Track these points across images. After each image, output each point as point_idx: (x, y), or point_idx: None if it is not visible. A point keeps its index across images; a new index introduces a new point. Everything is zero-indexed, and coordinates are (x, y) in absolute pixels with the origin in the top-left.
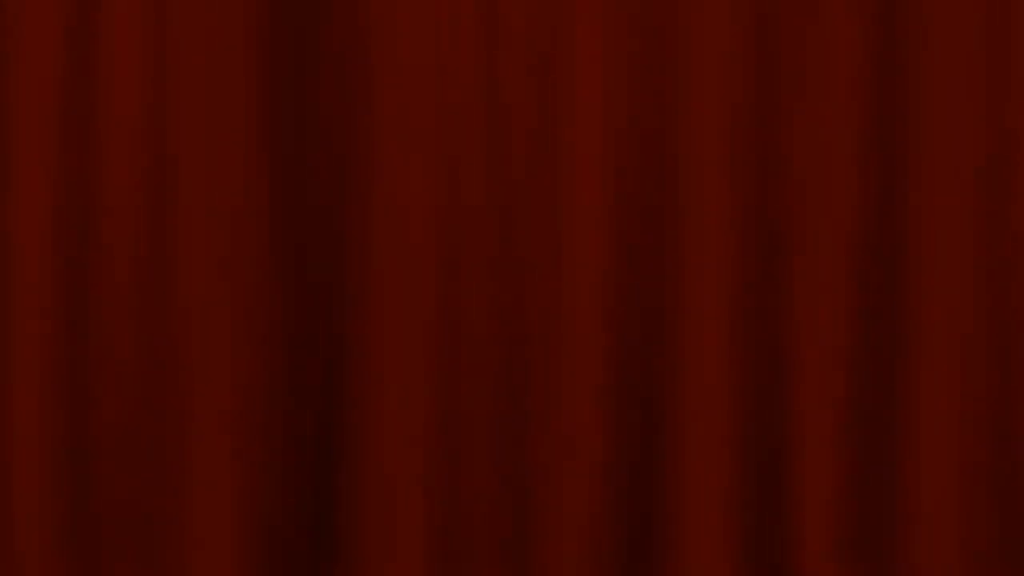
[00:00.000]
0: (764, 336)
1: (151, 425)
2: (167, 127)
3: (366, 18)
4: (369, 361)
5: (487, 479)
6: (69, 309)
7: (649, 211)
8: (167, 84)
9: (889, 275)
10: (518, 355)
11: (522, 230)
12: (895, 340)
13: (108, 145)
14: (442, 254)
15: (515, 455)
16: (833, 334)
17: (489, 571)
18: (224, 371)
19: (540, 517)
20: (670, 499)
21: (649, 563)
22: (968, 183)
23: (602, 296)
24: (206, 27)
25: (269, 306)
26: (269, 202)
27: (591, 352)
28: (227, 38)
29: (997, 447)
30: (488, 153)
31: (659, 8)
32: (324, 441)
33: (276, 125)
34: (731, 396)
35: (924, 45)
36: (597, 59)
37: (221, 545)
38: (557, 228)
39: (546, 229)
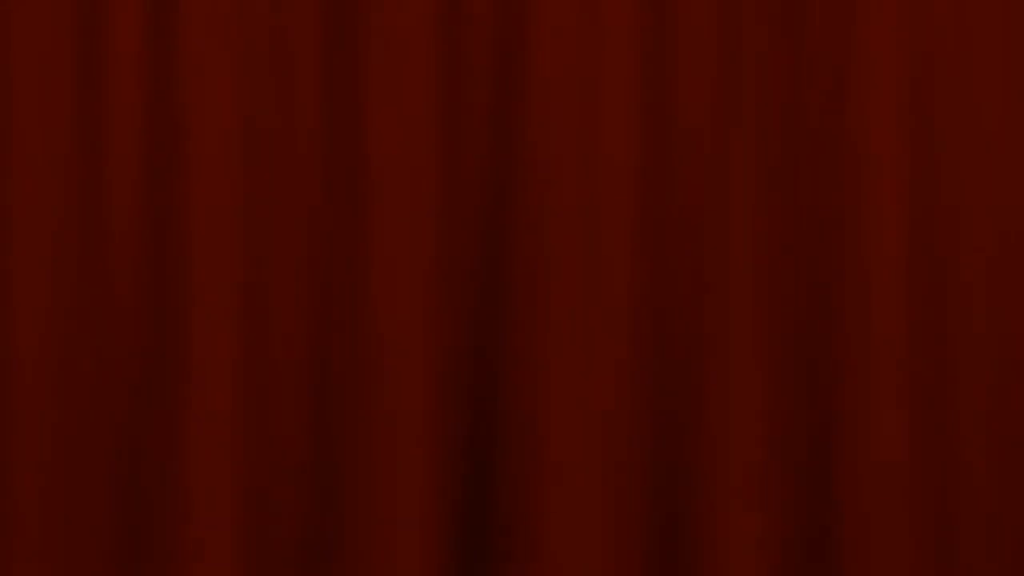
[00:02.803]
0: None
1: (152, 427)
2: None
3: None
4: (372, 364)
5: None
6: (73, 310)
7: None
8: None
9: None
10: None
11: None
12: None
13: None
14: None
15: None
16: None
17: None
18: (228, 373)
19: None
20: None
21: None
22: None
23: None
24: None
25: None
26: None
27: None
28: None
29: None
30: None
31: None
32: (327, 443)
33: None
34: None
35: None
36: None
37: (220, 545)
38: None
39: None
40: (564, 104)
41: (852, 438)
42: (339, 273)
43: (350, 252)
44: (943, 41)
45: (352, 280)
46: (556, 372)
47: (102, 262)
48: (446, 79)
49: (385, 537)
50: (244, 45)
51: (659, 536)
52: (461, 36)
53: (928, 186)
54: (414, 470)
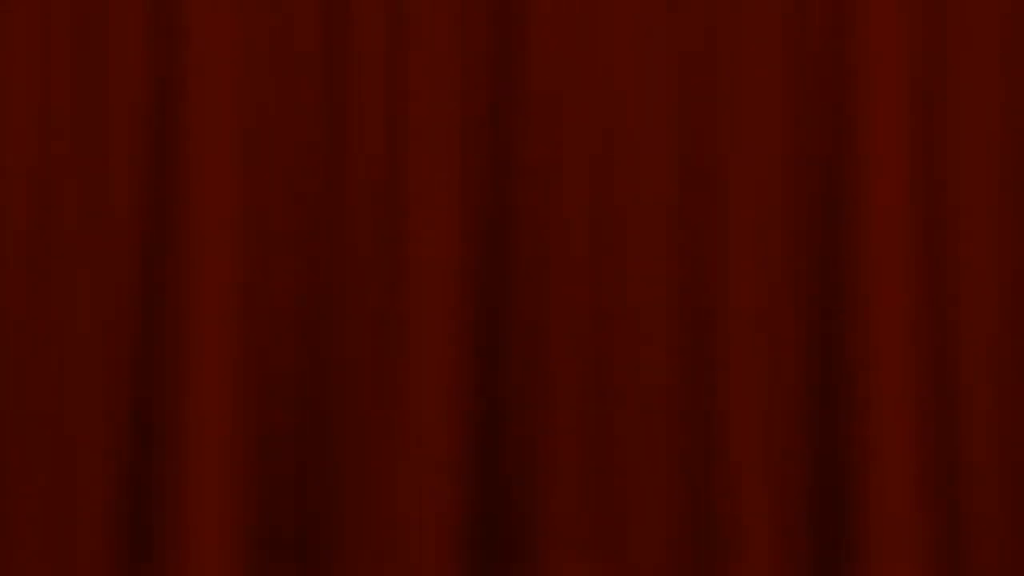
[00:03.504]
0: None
1: (152, 425)
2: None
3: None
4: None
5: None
6: (73, 309)
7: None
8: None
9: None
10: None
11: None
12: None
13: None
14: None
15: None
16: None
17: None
18: (228, 376)
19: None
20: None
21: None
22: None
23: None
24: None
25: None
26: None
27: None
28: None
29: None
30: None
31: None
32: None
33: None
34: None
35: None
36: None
37: (218, 545)
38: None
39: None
40: (567, 103)
41: (854, 437)
42: (339, 273)
43: (351, 252)
44: (943, 40)
45: (353, 280)
46: (565, 372)
47: (102, 261)
48: (446, 79)
49: (387, 537)
50: (245, 45)
51: (667, 536)
52: (464, 34)
53: (931, 185)
54: (416, 470)
